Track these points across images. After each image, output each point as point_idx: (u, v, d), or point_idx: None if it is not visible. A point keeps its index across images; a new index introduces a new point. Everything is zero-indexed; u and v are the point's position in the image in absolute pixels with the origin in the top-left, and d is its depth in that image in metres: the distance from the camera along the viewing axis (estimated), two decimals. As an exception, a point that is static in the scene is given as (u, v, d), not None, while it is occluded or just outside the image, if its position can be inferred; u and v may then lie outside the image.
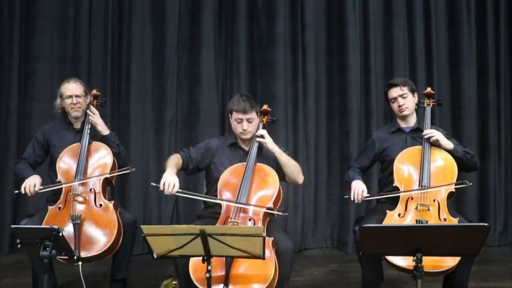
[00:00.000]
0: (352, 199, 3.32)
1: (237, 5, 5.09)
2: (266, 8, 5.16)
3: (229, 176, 3.29)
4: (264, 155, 3.40)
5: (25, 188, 3.44)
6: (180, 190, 3.11)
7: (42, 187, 3.47)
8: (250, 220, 3.10)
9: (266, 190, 3.22)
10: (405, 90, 3.51)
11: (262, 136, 3.32)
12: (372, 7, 5.20)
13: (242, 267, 2.86)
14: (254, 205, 3.13)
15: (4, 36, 5.01)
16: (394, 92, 3.53)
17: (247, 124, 3.35)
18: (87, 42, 5.04)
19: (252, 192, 3.19)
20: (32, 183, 3.45)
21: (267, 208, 3.13)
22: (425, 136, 3.39)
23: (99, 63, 5.06)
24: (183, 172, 3.48)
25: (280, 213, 3.17)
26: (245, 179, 3.20)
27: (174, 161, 3.32)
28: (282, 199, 3.29)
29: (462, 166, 3.41)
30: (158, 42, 5.10)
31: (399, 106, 3.52)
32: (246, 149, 3.41)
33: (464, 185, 3.26)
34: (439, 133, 3.40)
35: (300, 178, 3.41)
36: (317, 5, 5.23)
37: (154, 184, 3.12)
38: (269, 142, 3.32)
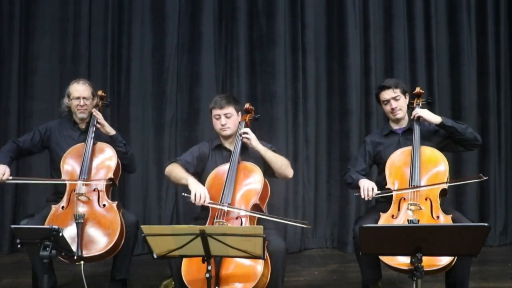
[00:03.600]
0: (362, 196, 3.29)
1: (237, 5, 5.10)
2: (266, 8, 5.16)
3: (214, 178, 3.32)
4: (250, 154, 3.43)
5: None
6: (211, 201, 3.14)
7: (11, 177, 3.43)
8: (237, 218, 3.12)
9: (250, 186, 3.23)
10: (397, 92, 3.50)
11: (245, 133, 3.34)
12: (372, 7, 5.20)
13: (231, 266, 2.87)
14: (236, 208, 3.14)
15: (4, 36, 5.01)
16: (386, 94, 3.51)
17: (225, 119, 3.40)
18: (87, 42, 5.03)
19: (236, 190, 3.21)
20: (1, 171, 3.40)
21: (253, 206, 3.15)
22: (411, 117, 3.45)
23: (99, 63, 5.06)
24: None
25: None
26: (229, 179, 3.22)
27: (183, 170, 3.34)
28: (271, 195, 3.32)
29: (461, 141, 3.42)
30: (158, 42, 5.10)
31: (392, 109, 3.51)
32: (231, 149, 3.43)
33: (480, 179, 3.25)
34: (423, 110, 3.43)
35: (289, 172, 3.44)
36: (317, 5, 5.24)
37: (186, 195, 3.16)
38: (253, 139, 3.34)
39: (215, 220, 3.10)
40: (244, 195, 3.21)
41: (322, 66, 5.25)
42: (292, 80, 5.16)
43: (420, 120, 3.44)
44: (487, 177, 3.30)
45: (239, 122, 3.47)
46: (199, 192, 3.13)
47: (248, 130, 3.38)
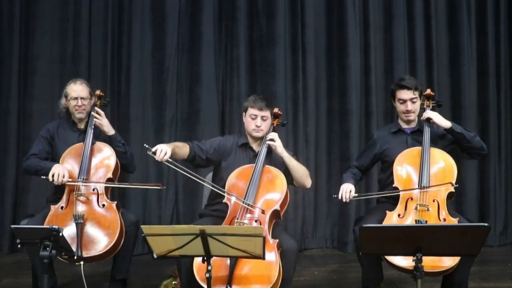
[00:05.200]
0: (339, 197, 3.35)
1: (237, 5, 5.09)
2: (266, 8, 5.15)
3: (237, 177, 3.30)
4: (273, 158, 3.42)
5: (53, 175, 3.39)
6: (170, 160, 3.12)
7: (70, 179, 3.44)
8: (256, 221, 3.11)
9: (274, 192, 3.23)
10: (416, 94, 3.48)
11: (272, 140, 3.33)
12: (372, 7, 5.20)
13: (246, 268, 2.87)
14: (260, 208, 3.14)
15: (4, 36, 5.01)
16: (405, 94, 3.47)
17: (261, 121, 3.39)
18: (87, 42, 5.03)
19: (259, 194, 3.20)
20: (61, 172, 3.40)
21: (273, 211, 3.14)
22: (421, 118, 3.43)
23: (99, 63, 5.05)
24: (190, 163, 3.48)
25: None
26: (253, 181, 3.21)
27: (175, 143, 3.35)
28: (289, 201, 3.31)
29: (467, 148, 3.41)
30: (158, 42, 5.09)
31: (407, 111, 3.49)
32: (257, 150, 3.43)
33: (450, 187, 3.24)
34: (434, 113, 3.42)
35: (308, 183, 3.45)
36: (317, 5, 5.23)
37: (147, 146, 3.12)
38: (279, 146, 3.33)
39: (235, 220, 3.09)
40: (267, 199, 3.20)
41: (322, 66, 5.25)
42: (292, 80, 5.16)
43: (430, 122, 3.42)
44: (457, 185, 3.28)
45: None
46: (161, 148, 3.11)
47: (275, 135, 3.35)
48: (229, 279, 2.82)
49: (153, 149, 3.10)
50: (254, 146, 3.48)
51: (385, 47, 5.27)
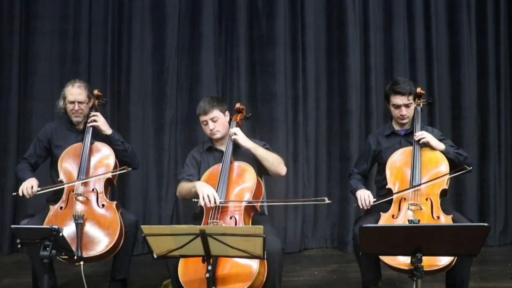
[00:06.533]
0: (361, 207, 3.36)
1: (237, 5, 5.09)
2: (266, 8, 5.15)
3: (207, 179, 3.33)
4: (242, 153, 3.43)
5: (22, 191, 3.42)
6: (222, 200, 3.15)
7: (39, 188, 3.44)
8: (231, 218, 3.12)
9: (243, 185, 3.25)
10: (410, 99, 3.48)
11: (234, 134, 3.36)
12: (372, 7, 5.19)
13: (227, 266, 2.88)
14: (232, 201, 3.17)
15: (4, 36, 5.01)
16: (399, 100, 3.46)
17: (212, 123, 3.42)
18: (87, 42, 5.03)
19: (230, 190, 3.22)
20: (29, 185, 3.42)
21: (247, 201, 3.17)
22: (416, 139, 3.39)
23: (99, 63, 5.05)
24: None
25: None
26: (222, 179, 3.24)
27: (189, 182, 3.36)
28: (271, 195, 3.33)
29: (454, 167, 3.40)
30: (158, 42, 5.09)
31: (402, 115, 3.50)
32: (223, 150, 3.44)
33: (464, 171, 3.25)
34: (430, 135, 3.39)
35: (281, 170, 3.43)
36: (317, 5, 5.23)
37: (195, 200, 3.17)
38: (240, 139, 3.35)
39: (209, 220, 3.11)
40: (237, 194, 3.22)
41: (322, 66, 5.25)
42: (292, 80, 5.16)
43: (421, 142, 3.36)
44: (471, 167, 3.29)
45: (231, 122, 3.49)
46: (206, 193, 3.13)
47: (236, 129, 3.38)
48: (212, 280, 2.79)
49: (200, 200, 3.13)
50: (219, 146, 3.50)
51: (385, 47, 5.27)
